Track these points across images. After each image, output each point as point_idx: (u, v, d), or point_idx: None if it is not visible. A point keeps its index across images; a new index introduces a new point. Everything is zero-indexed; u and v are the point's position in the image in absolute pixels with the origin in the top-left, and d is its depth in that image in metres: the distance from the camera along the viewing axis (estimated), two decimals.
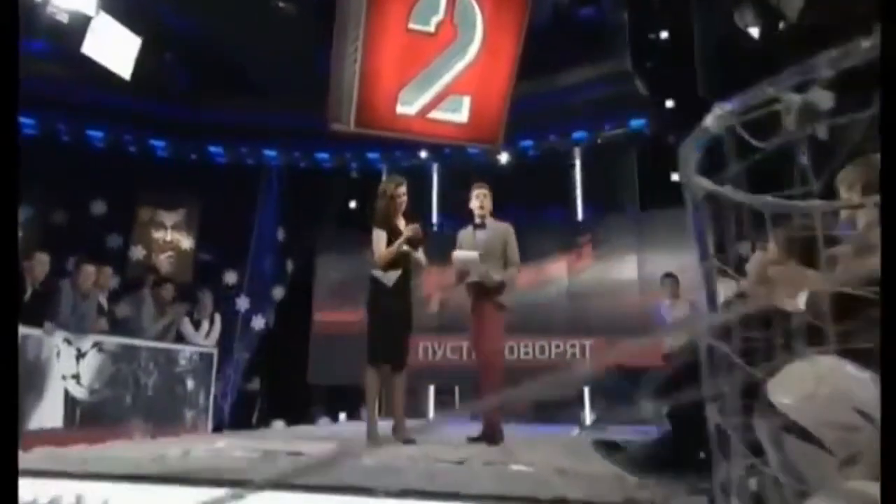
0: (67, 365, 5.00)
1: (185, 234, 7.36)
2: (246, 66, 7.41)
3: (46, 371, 4.82)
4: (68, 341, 5.00)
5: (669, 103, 7.44)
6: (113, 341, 5.44)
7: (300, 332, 7.85)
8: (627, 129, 7.50)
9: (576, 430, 6.64)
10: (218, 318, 6.59)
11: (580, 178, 8.36)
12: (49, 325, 4.83)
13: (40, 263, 5.03)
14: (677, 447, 2.82)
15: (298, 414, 7.63)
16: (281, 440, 4.31)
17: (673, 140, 7.58)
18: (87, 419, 5.04)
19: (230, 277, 7.10)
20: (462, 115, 5.79)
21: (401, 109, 5.69)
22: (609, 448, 3.50)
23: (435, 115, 5.76)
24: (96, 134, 7.69)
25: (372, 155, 7.85)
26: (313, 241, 8.09)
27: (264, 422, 7.08)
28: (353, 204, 8.52)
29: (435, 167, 8.65)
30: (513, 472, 2.82)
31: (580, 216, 8.40)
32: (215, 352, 6.46)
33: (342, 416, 8.16)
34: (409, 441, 4.42)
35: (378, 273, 4.59)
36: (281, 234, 7.57)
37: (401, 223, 4.91)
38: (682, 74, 7.18)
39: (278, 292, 7.54)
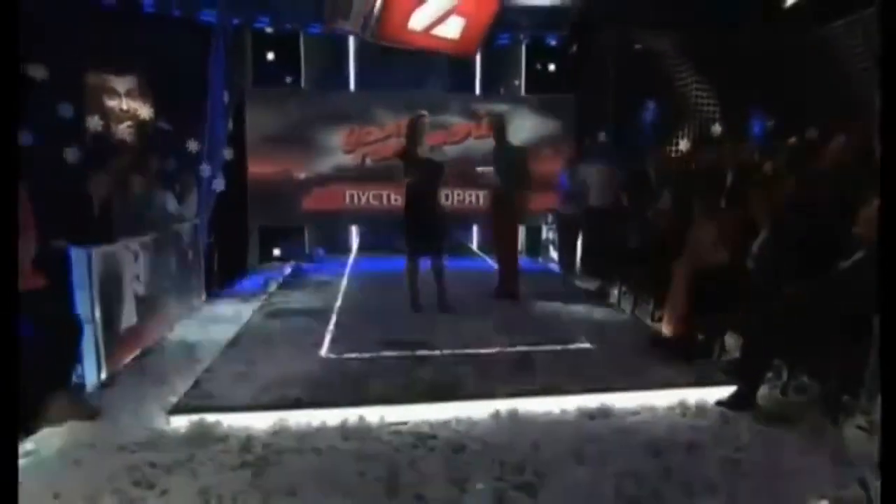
0: (132, 268, 5.42)
1: (142, 102, 6.74)
2: None
3: (122, 278, 5.23)
4: (127, 247, 5.35)
5: None
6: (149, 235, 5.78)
7: (240, 185, 8.42)
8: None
9: None
10: (195, 190, 6.93)
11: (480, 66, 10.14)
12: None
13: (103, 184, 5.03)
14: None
15: (241, 256, 8.64)
16: None
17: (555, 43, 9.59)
18: (146, 312, 5.64)
19: (192, 146, 7.11)
20: (455, 33, 6.64)
21: (411, 25, 6.30)
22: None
23: (435, 31, 6.48)
24: None
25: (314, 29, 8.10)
26: (243, 100, 8.36)
27: (221, 270, 7.94)
28: (270, 56, 8.64)
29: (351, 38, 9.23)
30: None
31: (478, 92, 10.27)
32: (199, 221, 6.96)
33: (276, 251, 9.44)
34: (449, 308, 6.27)
35: None
36: (226, 97, 7.51)
37: (423, 148, 5.97)
38: None
39: (227, 153, 7.75)
